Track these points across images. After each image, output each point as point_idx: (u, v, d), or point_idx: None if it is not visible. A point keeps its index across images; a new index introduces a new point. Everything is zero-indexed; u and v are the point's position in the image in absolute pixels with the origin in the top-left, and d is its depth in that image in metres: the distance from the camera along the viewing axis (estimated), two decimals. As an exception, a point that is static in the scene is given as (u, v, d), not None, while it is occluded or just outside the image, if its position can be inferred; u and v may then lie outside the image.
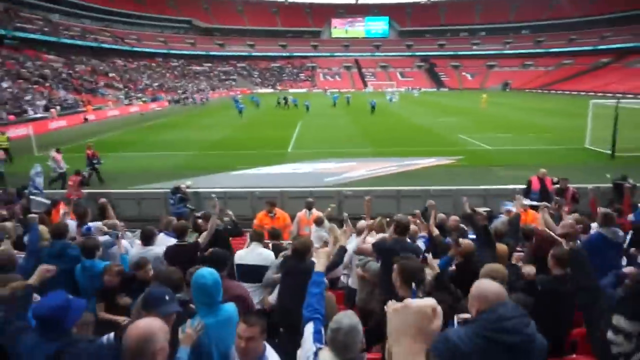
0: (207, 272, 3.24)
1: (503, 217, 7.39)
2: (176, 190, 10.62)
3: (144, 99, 55.29)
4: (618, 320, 1.82)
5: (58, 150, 15.86)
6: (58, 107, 38.55)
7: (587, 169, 16.60)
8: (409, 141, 24.23)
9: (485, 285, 2.54)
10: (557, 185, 10.47)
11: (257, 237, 5.63)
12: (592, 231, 5.71)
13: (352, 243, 5.86)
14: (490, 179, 14.96)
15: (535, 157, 18.59)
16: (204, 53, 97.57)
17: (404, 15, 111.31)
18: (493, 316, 2.34)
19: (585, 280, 3.28)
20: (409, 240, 5.19)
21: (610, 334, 1.84)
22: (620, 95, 50.76)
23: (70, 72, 54.18)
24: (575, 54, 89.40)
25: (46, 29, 59.81)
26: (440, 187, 12.94)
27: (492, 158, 19.56)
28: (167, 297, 2.87)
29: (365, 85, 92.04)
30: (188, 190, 12.24)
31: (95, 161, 16.07)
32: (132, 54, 79.63)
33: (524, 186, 11.29)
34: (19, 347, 2.69)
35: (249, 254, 5.40)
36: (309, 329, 2.67)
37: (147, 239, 5.66)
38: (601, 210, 5.28)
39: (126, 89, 58.39)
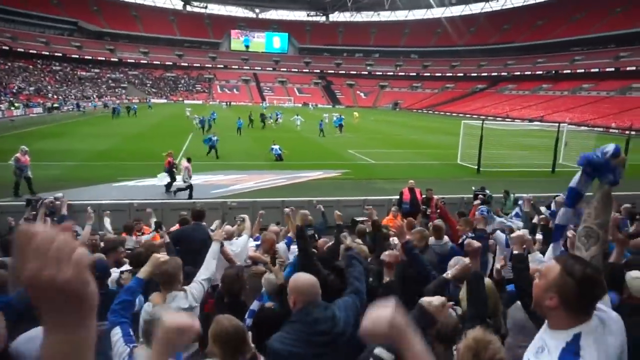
0: None
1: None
2: (29, 202, 9.23)
3: (16, 104, 50.06)
4: (380, 351, 2.01)
5: (189, 160, 15.18)
6: None
7: (458, 182, 18.36)
8: (302, 155, 24.78)
9: (300, 280, 2.74)
10: (424, 196, 11.62)
11: None
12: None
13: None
14: (370, 190, 15.90)
15: (413, 170, 20.03)
16: (91, 58, 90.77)
17: (304, 33, 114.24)
18: (308, 319, 2.62)
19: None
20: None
21: None
22: (492, 117, 56.83)
23: None
24: (457, 79, 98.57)
25: None
26: (324, 197, 13.44)
27: (375, 171, 20.78)
28: None
29: (263, 99, 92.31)
30: (57, 202, 11.36)
31: (174, 169, 15.50)
32: (5, 53, 71.76)
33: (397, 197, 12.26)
34: None
35: None
36: (116, 334, 2.69)
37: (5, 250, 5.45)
38: (435, 223, 6.06)
39: (-5, 92, 52.60)
